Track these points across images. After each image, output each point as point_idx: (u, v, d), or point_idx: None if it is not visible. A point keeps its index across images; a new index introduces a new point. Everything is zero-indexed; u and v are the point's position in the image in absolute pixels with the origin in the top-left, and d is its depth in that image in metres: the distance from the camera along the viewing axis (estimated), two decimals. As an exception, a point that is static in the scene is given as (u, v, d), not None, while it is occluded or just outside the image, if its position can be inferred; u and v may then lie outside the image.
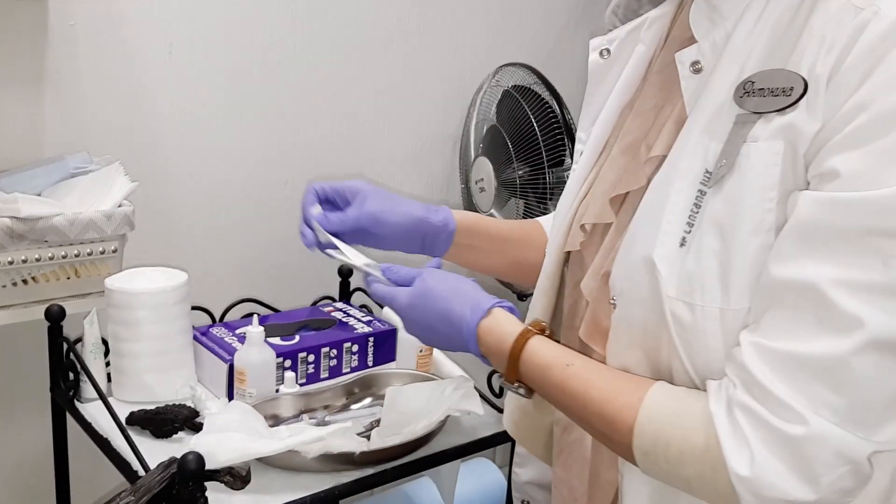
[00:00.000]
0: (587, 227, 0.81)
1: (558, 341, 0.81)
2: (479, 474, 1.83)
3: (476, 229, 1.05)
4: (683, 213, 0.68)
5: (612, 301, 0.74)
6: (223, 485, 1.01)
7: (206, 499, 1.00)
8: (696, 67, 0.72)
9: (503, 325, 0.81)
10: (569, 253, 0.85)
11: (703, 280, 0.66)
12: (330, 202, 1.04)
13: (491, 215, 1.86)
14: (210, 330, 1.40)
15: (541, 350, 0.78)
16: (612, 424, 0.71)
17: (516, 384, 0.80)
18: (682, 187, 0.69)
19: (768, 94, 0.65)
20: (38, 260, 1.27)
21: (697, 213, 0.67)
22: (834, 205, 0.60)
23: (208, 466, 1.00)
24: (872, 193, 0.59)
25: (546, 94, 1.74)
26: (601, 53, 0.86)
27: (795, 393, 0.61)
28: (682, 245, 0.68)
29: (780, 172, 0.64)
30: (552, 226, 0.90)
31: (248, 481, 1.01)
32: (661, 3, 0.82)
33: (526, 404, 0.91)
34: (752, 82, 0.66)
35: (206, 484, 1.01)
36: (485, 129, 1.88)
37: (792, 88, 0.64)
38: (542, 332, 0.80)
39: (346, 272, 1.63)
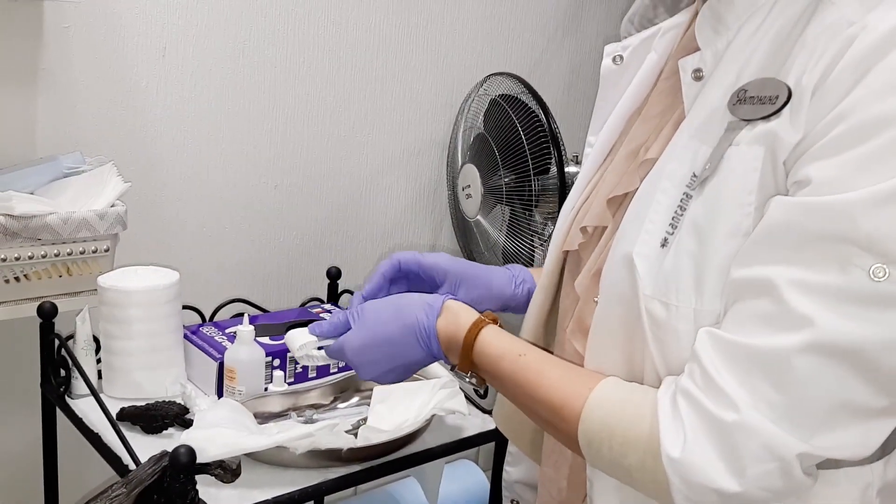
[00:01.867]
0: (589, 230, 0.82)
1: (512, 332, 0.84)
2: (463, 476, 1.85)
3: None
4: (667, 214, 0.70)
5: (595, 299, 0.76)
6: (213, 478, 1.03)
7: (196, 491, 1.02)
8: (697, 75, 0.73)
9: (459, 316, 0.84)
10: (567, 253, 0.86)
11: (678, 280, 0.67)
12: (410, 276, 1.00)
13: (477, 222, 1.89)
14: (200, 329, 1.42)
15: (494, 340, 0.81)
16: (560, 412, 0.72)
17: (469, 374, 0.82)
18: (668, 188, 0.70)
19: (757, 102, 0.66)
20: (30, 258, 1.29)
21: (681, 214, 0.69)
22: (799, 208, 0.61)
23: (199, 460, 1.02)
24: (835, 198, 0.60)
25: (532, 104, 1.78)
26: (614, 59, 0.87)
27: (737, 383, 0.62)
28: (663, 245, 0.69)
29: (760, 178, 0.65)
30: (556, 226, 0.91)
31: (238, 475, 1.03)
32: (676, 14, 0.83)
33: None
34: (745, 90, 0.67)
35: (197, 477, 1.03)
36: (472, 137, 1.91)
37: (777, 97, 0.65)
38: (493, 322, 0.83)
39: (334, 274, 1.66)
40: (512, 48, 2.10)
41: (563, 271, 0.88)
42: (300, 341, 0.95)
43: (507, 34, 2.08)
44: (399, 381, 0.93)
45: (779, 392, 0.61)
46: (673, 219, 0.69)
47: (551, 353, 0.84)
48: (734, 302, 0.65)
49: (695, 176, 0.69)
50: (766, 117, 0.65)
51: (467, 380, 0.83)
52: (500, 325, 0.84)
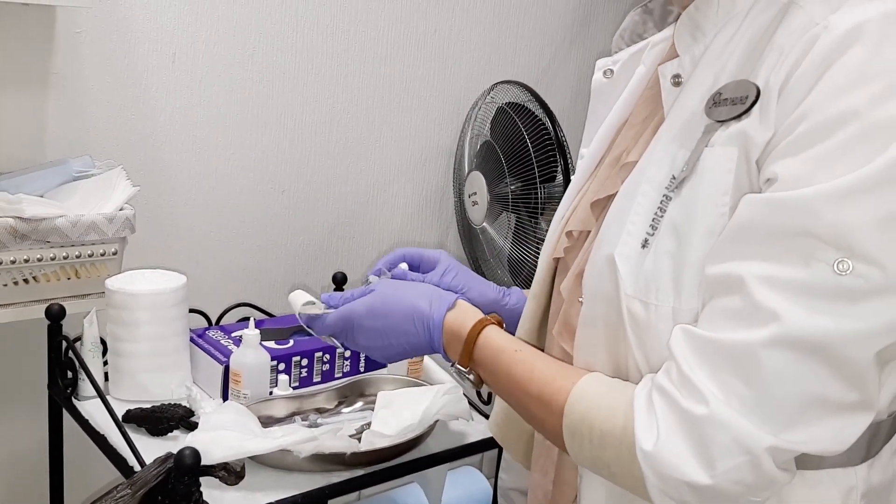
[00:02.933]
0: (574, 234, 0.84)
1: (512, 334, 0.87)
2: (466, 483, 1.86)
3: None
4: (647, 216, 0.71)
5: (580, 300, 0.77)
6: (218, 480, 1.04)
7: (200, 493, 1.03)
8: (676, 80, 0.75)
9: (467, 312, 0.88)
10: (558, 260, 0.88)
11: (658, 280, 0.69)
12: (412, 266, 1.06)
13: (483, 229, 1.90)
14: (206, 332, 1.43)
15: (495, 337, 0.83)
16: (547, 406, 0.74)
17: (468, 369, 0.85)
18: (648, 191, 0.72)
19: (730, 104, 0.68)
20: (39, 260, 1.30)
21: (661, 216, 0.70)
22: (764, 205, 0.63)
23: (204, 463, 1.02)
24: (798, 193, 0.61)
25: (539, 112, 1.78)
26: (605, 73, 0.89)
27: (708, 378, 0.63)
28: (643, 246, 0.71)
29: (734, 179, 0.66)
30: (547, 235, 0.93)
31: (242, 477, 1.04)
32: (664, 28, 0.85)
33: (511, 409, 0.93)
34: (721, 93, 0.69)
35: (201, 479, 1.03)
36: (479, 144, 1.92)
37: (747, 97, 0.67)
38: (498, 324, 0.86)
39: (339, 279, 1.66)
40: (519, 56, 2.11)
41: (554, 279, 0.89)
42: (304, 298, 0.99)
43: (515, 43, 2.09)
44: (391, 360, 0.98)
45: (748, 386, 0.62)
46: (653, 220, 0.71)
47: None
48: (708, 299, 0.66)
49: (673, 178, 0.70)
50: (738, 117, 0.67)
51: (466, 376, 0.85)
52: (503, 328, 0.86)
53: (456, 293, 0.93)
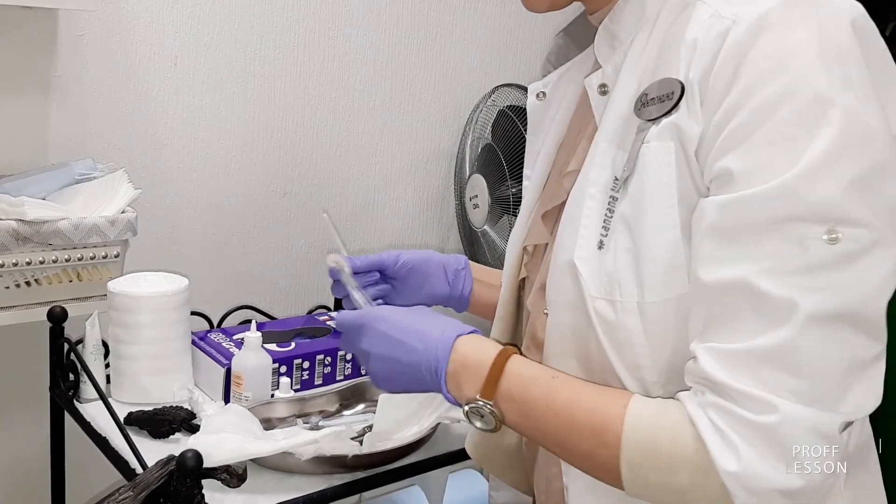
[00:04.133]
0: (529, 249, 0.86)
1: None
2: (467, 485, 1.86)
3: (485, 269, 1.12)
4: (598, 218, 0.73)
5: (545, 311, 0.78)
6: (220, 482, 1.04)
7: (202, 496, 1.03)
8: (602, 89, 0.78)
9: (483, 342, 0.80)
10: (523, 280, 0.89)
11: (619, 277, 0.70)
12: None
13: (484, 231, 1.90)
14: (208, 335, 1.43)
15: (526, 364, 0.77)
16: (602, 436, 0.69)
17: (489, 406, 0.75)
18: (595, 194, 0.74)
19: (657, 102, 0.70)
20: (41, 262, 1.30)
21: (611, 217, 0.72)
22: (740, 204, 0.64)
23: (206, 465, 1.03)
24: (769, 185, 0.63)
25: (540, 115, 1.79)
26: (537, 96, 0.91)
27: (758, 385, 0.63)
28: (600, 247, 0.72)
29: (676, 170, 0.68)
30: (506, 258, 0.94)
31: (244, 479, 1.04)
32: (585, 48, 0.88)
33: None
34: (647, 94, 0.72)
35: (203, 482, 1.04)
36: (480, 147, 1.92)
37: (673, 92, 0.69)
38: (518, 352, 0.79)
39: (341, 283, 1.67)
40: (521, 59, 2.11)
41: (521, 300, 0.90)
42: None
43: (516, 45, 2.10)
44: (392, 385, 0.86)
45: (798, 378, 0.63)
46: (605, 221, 0.72)
47: None
48: (713, 311, 0.66)
49: (616, 179, 0.72)
50: (668, 113, 0.69)
51: (485, 411, 0.75)
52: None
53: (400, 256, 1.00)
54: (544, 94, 0.91)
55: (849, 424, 0.65)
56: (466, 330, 0.81)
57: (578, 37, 0.91)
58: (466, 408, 0.76)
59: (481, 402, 0.75)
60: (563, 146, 0.88)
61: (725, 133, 0.65)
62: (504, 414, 0.75)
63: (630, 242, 0.70)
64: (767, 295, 0.63)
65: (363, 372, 1.03)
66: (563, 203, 0.80)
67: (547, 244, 0.83)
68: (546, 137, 0.90)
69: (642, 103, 0.72)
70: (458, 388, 0.78)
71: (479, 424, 0.76)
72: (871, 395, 0.65)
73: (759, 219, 0.63)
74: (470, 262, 1.11)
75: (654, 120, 0.70)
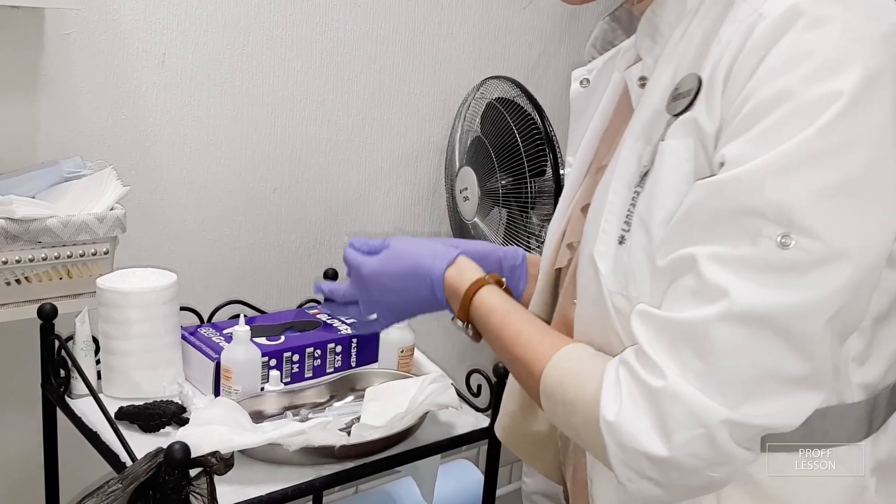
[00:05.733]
0: (575, 245, 0.85)
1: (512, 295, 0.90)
2: (460, 475, 1.87)
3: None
4: (620, 213, 0.73)
5: (574, 301, 0.79)
6: (207, 470, 1.05)
7: (191, 487, 1.04)
8: (642, 82, 0.77)
9: (466, 271, 0.92)
10: (559, 270, 0.90)
11: (634, 273, 0.71)
12: None
13: (475, 224, 1.91)
14: (198, 330, 1.44)
15: (491, 297, 0.87)
16: (528, 368, 0.78)
17: (466, 324, 0.89)
18: (619, 189, 0.74)
19: (682, 97, 0.70)
20: (31, 260, 1.31)
21: (632, 212, 0.72)
22: (711, 187, 0.65)
23: (194, 456, 1.04)
24: (739, 171, 0.63)
25: (529, 107, 1.79)
26: (581, 83, 0.91)
27: (667, 355, 0.65)
28: (620, 243, 0.73)
29: (693, 168, 0.68)
30: (544, 246, 0.94)
31: (231, 466, 1.06)
32: (633, 34, 0.86)
33: (516, 410, 0.97)
34: (677, 89, 0.71)
35: (192, 472, 1.05)
36: (469, 140, 1.93)
37: (692, 89, 0.69)
38: (498, 284, 0.90)
39: (331, 276, 1.68)
40: (509, 52, 2.12)
41: (557, 290, 0.90)
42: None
43: (504, 38, 2.10)
44: (404, 318, 1.03)
45: (702, 361, 0.64)
46: (627, 216, 0.73)
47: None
48: (668, 283, 0.68)
49: (641, 175, 0.72)
50: (686, 109, 0.69)
51: (465, 330, 0.90)
52: (504, 288, 0.90)
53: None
54: (588, 80, 0.90)
55: (776, 435, 0.66)
56: (451, 257, 0.94)
57: (625, 22, 0.90)
58: (453, 322, 0.92)
59: (459, 323, 0.91)
60: (605, 137, 0.87)
61: (734, 123, 0.65)
62: (479, 334, 0.89)
63: (645, 239, 0.70)
64: (705, 276, 0.64)
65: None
66: None
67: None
68: (589, 126, 0.90)
69: (673, 98, 0.71)
70: (453, 307, 0.92)
71: (464, 333, 0.91)
72: (788, 414, 0.65)
73: (721, 204, 0.64)
74: (528, 255, 1.09)
75: (676, 115, 0.70)
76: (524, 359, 0.79)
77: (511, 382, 0.99)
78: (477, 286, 0.88)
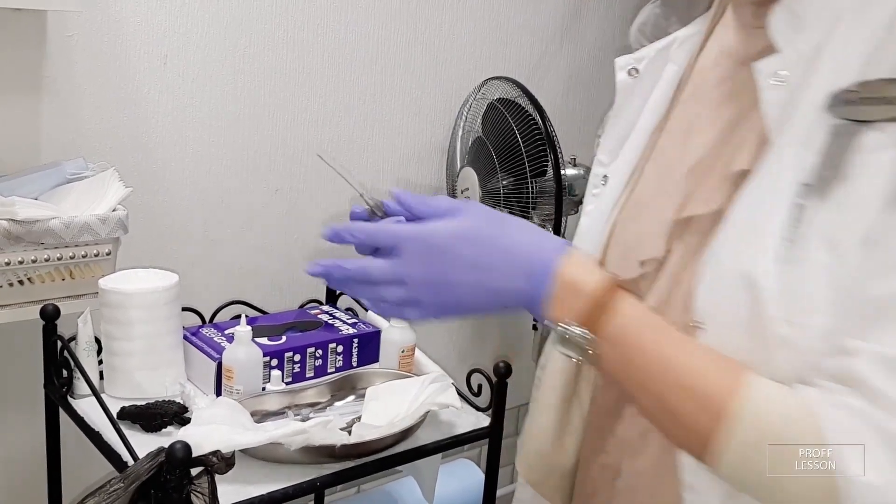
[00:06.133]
0: (646, 263, 0.76)
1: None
2: (462, 475, 1.87)
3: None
4: (781, 229, 0.64)
5: (694, 323, 0.69)
6: (209, 469, 1.06)
7: (192, 486, 1.04)
8: (780, 78, 0.68)
9: (589, 266, 0.71)
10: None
11: (811, 297, 0.62)
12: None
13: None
14: (200, 330, 1.45)
15: (636, 306, 0.69)
16: (706, 402, 0.64)
17: (587, 337, 0.68)
18: (777, 200, 0.65)
19: (877, 103, 0.61)
20: (34, 261, 1.31)
21: (797, 227, 0.63)
22: None
23: (195, 455, 1.04)
24: None
25: (529, 107, 1.80)
26: (629, 72, 0.83)
27: None
28: (782, 262, 0.64)
29: None
30: (588, 241, 0.84)
31: (233, 465, 1.06)
32: (690, 22, 0.81)
33: (543, 446, 0.87)
34: (856, 92, 0.63)
35: (193, 471, 1.05)
36: (470, 141, 1.93)
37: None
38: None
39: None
40: (510, 52, 2.12)
41: None
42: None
43: (506, 38, 2.11)
44: (459, 314, 0.73)
45: None
46: (789, 233, 0.64)
47: None
48: (882, 317, 0.60)
49: (807, 185, 0.64)
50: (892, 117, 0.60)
51: (579, 338, 0.68)
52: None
53: None
54: (637, 70, 0.82)
55: None
56: (561, 244, 0.72)
57: (681, 9, 0.82)
58: (558, 328, 0.69)
59: (571, 330, 0.68)
60: (694, 134, 0.77)
61: None
62: (596, 344, 0.68)
63: (830, 260, 0.61)
64: None
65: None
66: (711, 212, 0.71)
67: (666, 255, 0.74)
68: (640, 121, 0.81)
69: (846, 101, 0.62)
70: (561, 308, 0.69)
71: (563, 350, 0.69)
72: None
73: None
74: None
75: (870, 123, 0.61)
76: (703, 391, 0.64)
77: (536, 419, 0.88)
78: (615, 290, 0.69)
